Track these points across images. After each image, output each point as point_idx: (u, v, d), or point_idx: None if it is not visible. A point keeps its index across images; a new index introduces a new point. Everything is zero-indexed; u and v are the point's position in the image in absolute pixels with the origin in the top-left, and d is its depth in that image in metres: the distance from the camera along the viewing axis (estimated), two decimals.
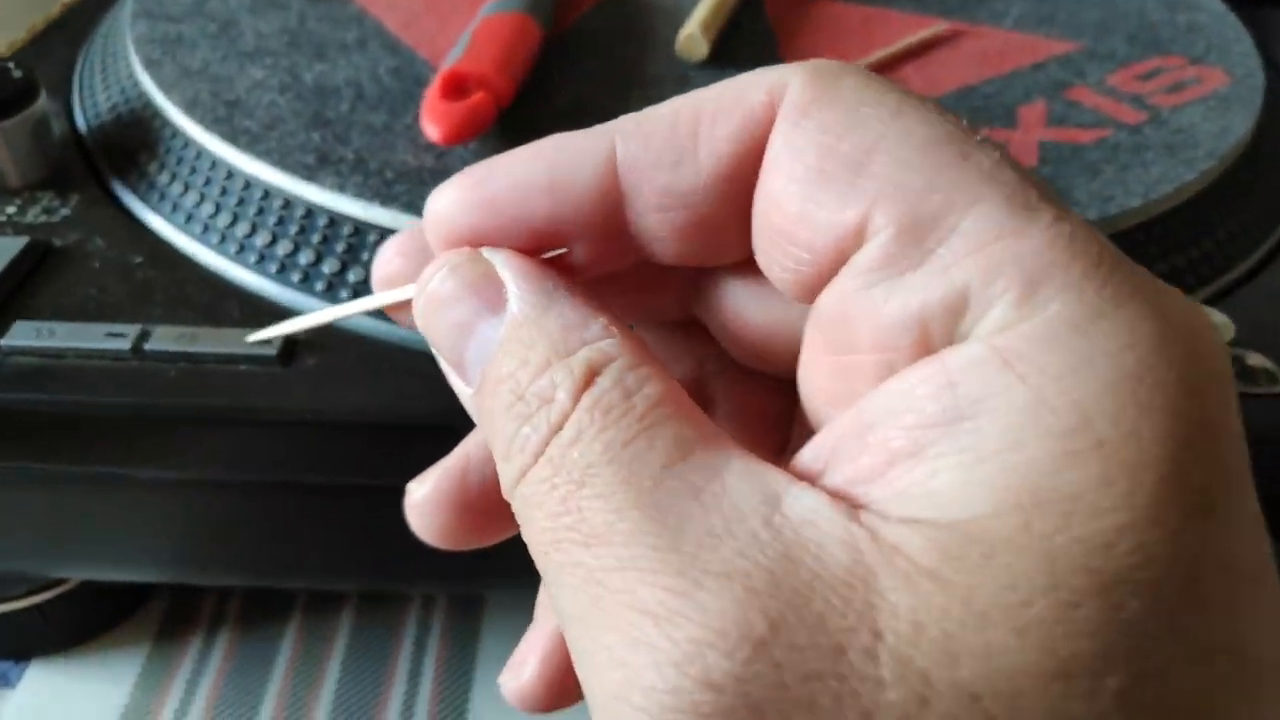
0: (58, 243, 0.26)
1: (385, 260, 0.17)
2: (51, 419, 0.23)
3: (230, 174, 0.27)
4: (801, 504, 0.12)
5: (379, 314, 0.19)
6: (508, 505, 0.16)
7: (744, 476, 0.12)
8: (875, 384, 0.13)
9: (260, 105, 0.28)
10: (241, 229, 0.25)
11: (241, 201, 0.26)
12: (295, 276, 0.24)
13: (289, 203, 0.25)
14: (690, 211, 0.14)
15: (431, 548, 0.25)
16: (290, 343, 0.23)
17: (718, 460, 0.12)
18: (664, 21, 0.35)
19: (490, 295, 0.14)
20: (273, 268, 0.25)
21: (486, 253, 0.14)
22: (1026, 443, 0.11)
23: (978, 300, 0.12)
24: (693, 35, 0.31)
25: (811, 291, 0.13)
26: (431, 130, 0.25)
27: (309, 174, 0.25)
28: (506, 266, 0.14)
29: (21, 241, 0.26)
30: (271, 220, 0.25)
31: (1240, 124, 0.31)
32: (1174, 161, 0.29)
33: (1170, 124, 0.31)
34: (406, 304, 0.16)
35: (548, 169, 0.14)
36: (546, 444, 0.13)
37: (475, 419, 0.15)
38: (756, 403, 0.17)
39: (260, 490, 0.24)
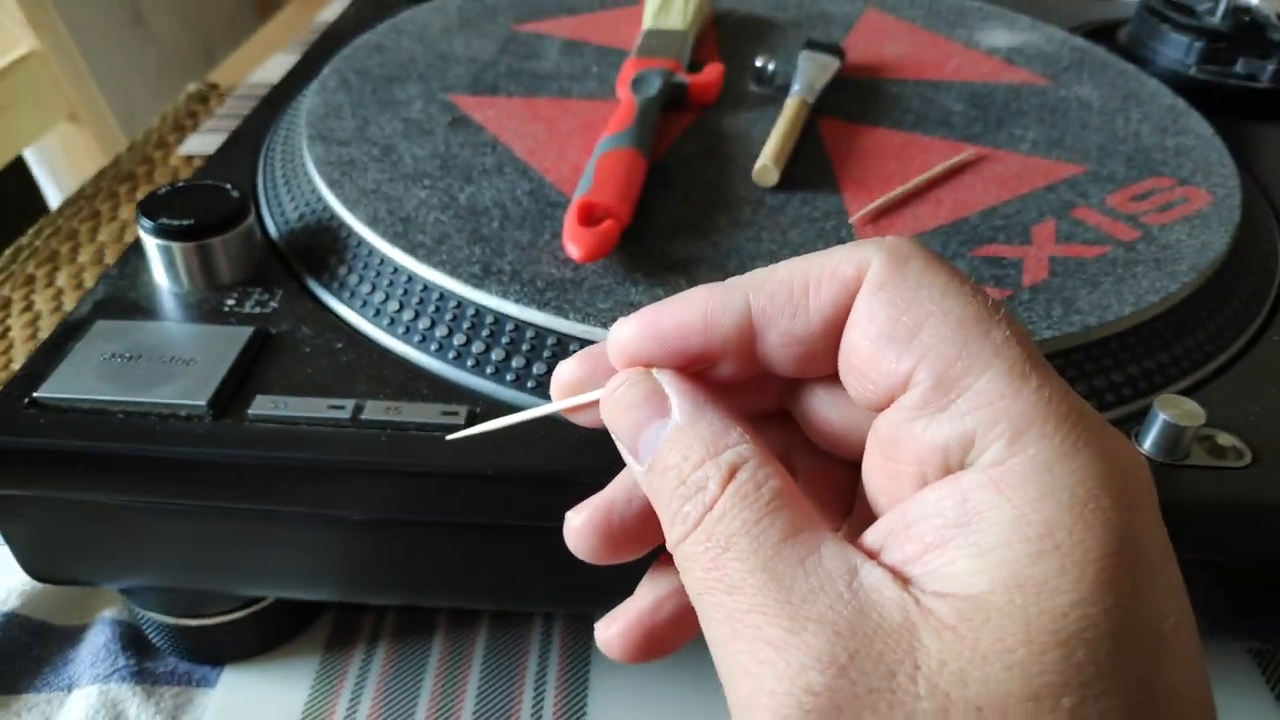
0: (273, 330, 0.34)
1: (568, 373, 0.22)
2: (280, 472, 0.30)
3: (410, 278, 0.34)
4: (872, 577, 0.17)
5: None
6: (638, 536, 0.22)
7: (833, 551, 0.17)
8: (913, 487, 0.18)
9: (428, 222, 0.36)
10: (423, 323, 0.33)
11: (422, 301, 0.33)
12: (469, 363, 0.31)
13: (461, 304, 0.33)
14: (802, 347, 0.20)
15: (552, 576, 0.32)
16: (473, 417, 0.30)
17: (816, 539, 0.18)
18: (738, 148, 0.42)
19: (658, 404, 0.20)
20: (451, 355, 0.32)
21: (655, 373, 0.21)
22: (1011, 544, 0.16)
23: (981, 440, 0.17)
24: (766, 166, 0.38)
25: (875, 407, 0.19)
26: (573, 251, 0.33)
27: (477, 282, 0.33)
28: (669, 384, 0.20)
29: (249, 330, 0.33)
30: (448, 317, 0.32)
31: (1219, 241, 0.37)
32: (1161, 274, 0.35)
33: (1159, 240, 0.37)
34: (583, 405, 0.22)
35: (701, 315, 0.20)
36: (702, 518, 0.19)
37: (645, 490, 0.21)
38: (829, 478, 0.23)
39: (436, 528, 0.31)
